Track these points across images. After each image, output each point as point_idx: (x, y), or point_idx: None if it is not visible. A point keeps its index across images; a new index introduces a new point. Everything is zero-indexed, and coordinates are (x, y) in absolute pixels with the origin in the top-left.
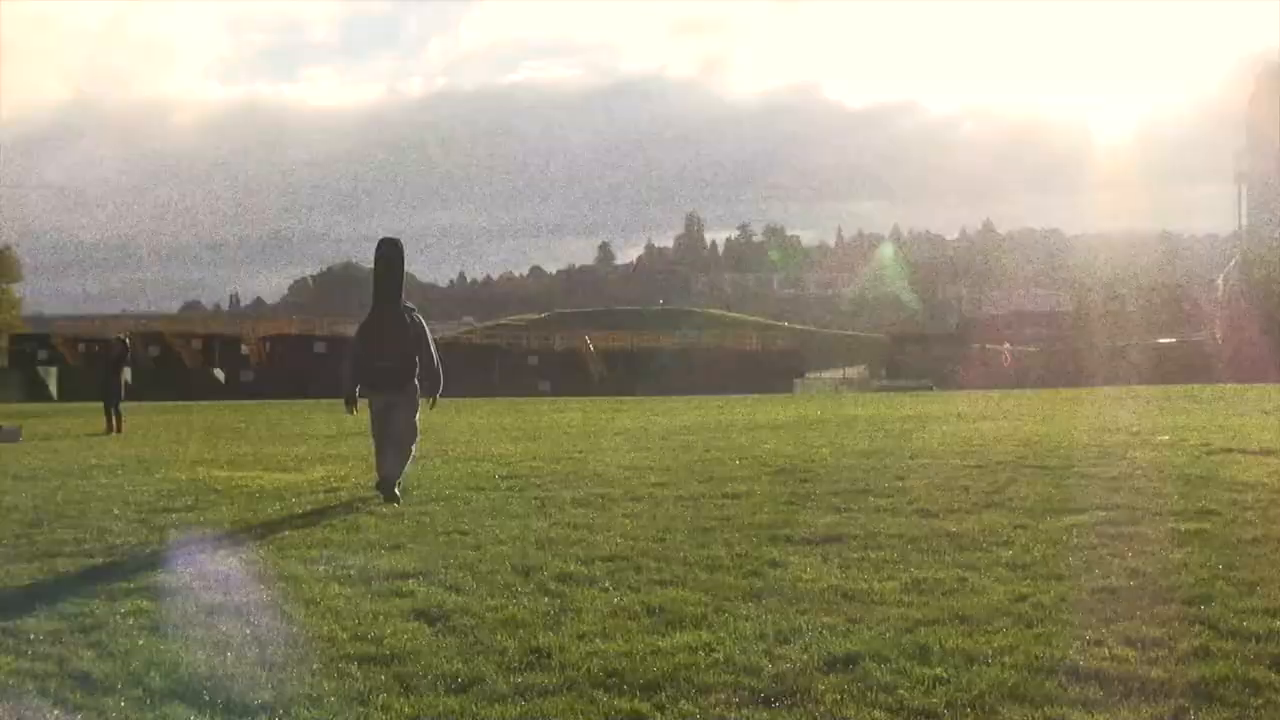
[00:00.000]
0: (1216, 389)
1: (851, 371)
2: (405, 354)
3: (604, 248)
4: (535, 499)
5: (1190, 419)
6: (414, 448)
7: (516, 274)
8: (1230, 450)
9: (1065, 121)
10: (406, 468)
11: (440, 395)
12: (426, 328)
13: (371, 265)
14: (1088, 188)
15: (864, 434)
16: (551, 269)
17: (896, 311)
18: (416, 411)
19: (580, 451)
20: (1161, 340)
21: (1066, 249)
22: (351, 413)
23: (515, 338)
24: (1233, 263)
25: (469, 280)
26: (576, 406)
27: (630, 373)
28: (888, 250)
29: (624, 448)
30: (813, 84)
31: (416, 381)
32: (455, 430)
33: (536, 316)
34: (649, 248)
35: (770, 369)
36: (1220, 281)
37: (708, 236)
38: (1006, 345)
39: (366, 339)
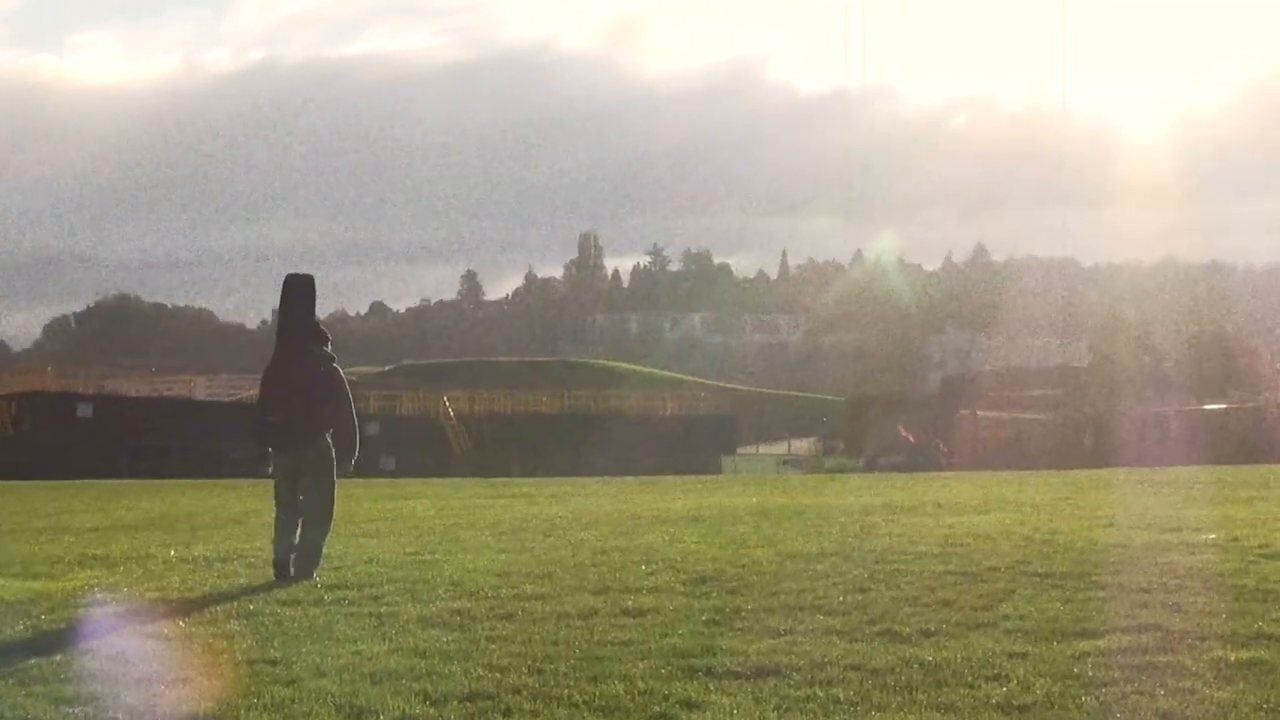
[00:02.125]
0: (1278, 471)
1: (800, 445)
2: (312, 407)
3: (470, 278)
4: (371, 616)
5: (1245, 512)
6: (328, 525)
7: (352, 312)
8: None
9: (1083, 117)
10: (322, 548)
11: (354, 462)
12: (343, 378)
13: (147, 302)
14: (1111, 203)
15: (813, 530)
16: (399, 306)
17: (863, 364)
18: (331, 476)
19: (433, 553)
20: (1209, 406)
21: (1084, 283)
22: (268, 473)
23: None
24: None
25: None
26: (430, 491)
27: (503, 446)
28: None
29: (492, 547)
30: (754, 61)
31: (329, 439)
32: (260, 522)
33: (378, 370)
34: (530, 279)
35: (692, 441)
36: None
37: (608, 264)
38: (901, 428)
39: (268, 388)
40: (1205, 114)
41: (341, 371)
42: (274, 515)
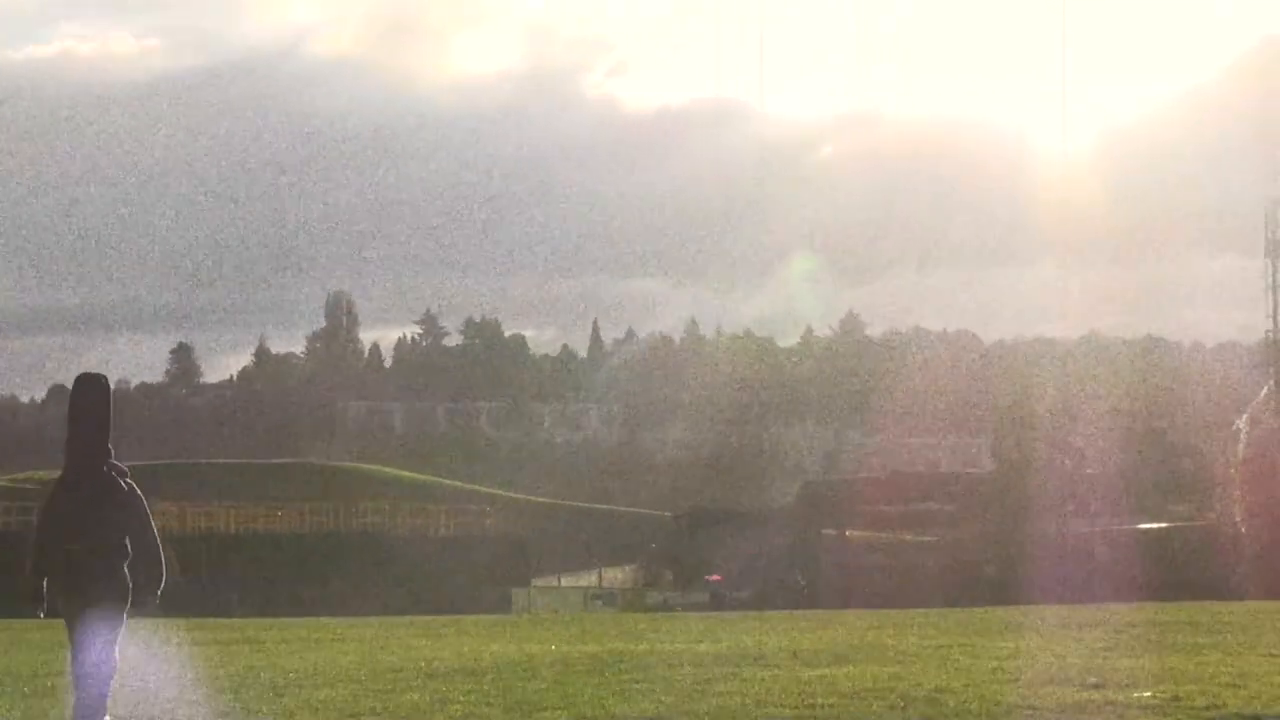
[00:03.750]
0: (1234, 609)
1: (615, 574)
2: (106, 536)
3: (182, 355)
4: None
5: (1189, 663)
6: (109, 685)
7: (23, 399)
8: (1256, 719)
9: (983, 142)
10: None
11: (160, 593)
12: (143, 499)
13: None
14: (1019, 257)
15: (630, 688)
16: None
17: (698, 469)
18: (118, 626)
19: None
20: (1145, 525)
21: (984, 364)
22: (39, 615)
23: (11, 514)
24: (1263, 393)
25: None
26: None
27: (224, 577)
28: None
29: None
30: (569, 69)
31: (127, 572)
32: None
33: (58, 474)
34: (261, 355)
35: (473, 569)
36: (1242, 426)
37: (364, 337)
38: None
39: (52, 513)
40: (1137, 142)
41: (138, 489)
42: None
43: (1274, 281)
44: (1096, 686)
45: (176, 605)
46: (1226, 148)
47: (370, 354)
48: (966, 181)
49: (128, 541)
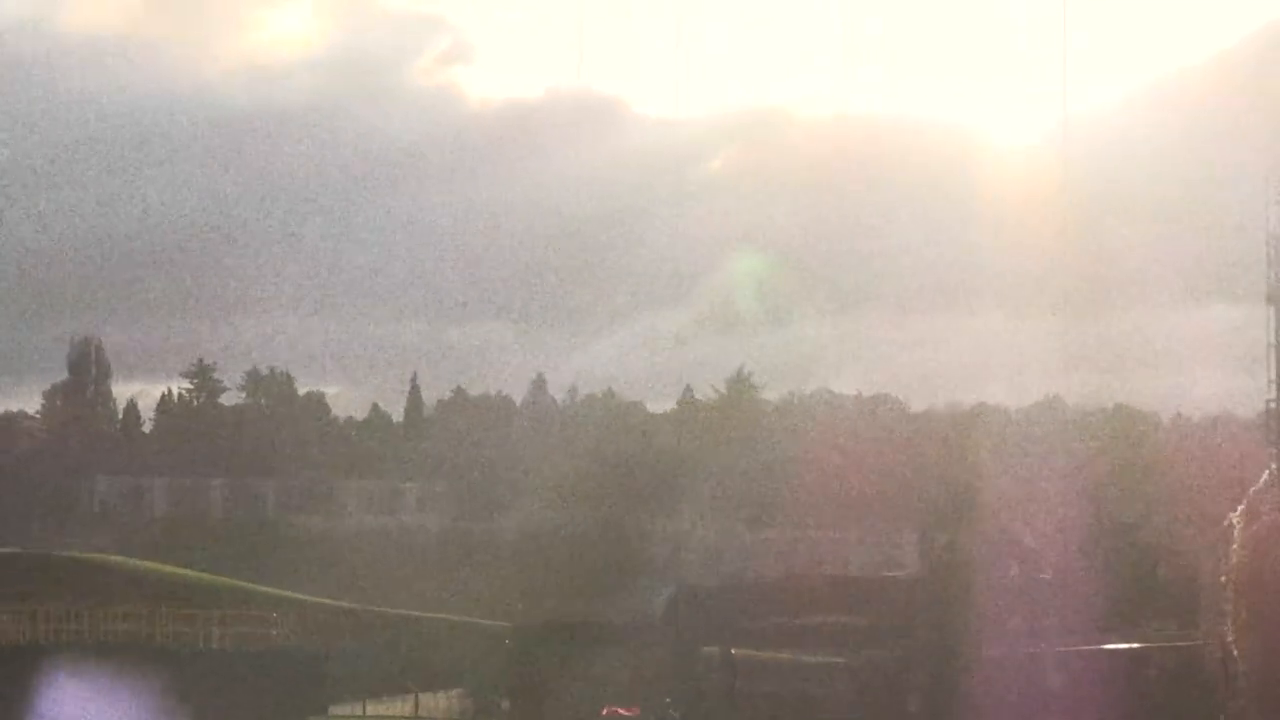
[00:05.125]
0: None
1: (435, 701)
2: None
3: None
4: None
5: None
6: None
7: None
8: None
9: (916, 153)
10: None
11: None
12: None
13: None
14: (958, 303)
15: None
16: None
17: (543, 567)
18: None
19: None
20: (1114, 646)
21: (911, 438)
22: None
23: None
24: (1264, 479)
25: None
26: None
27: None
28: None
29: None
30: (391, 54)
31: None
32: None
33: None
34: None
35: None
36: (1236, 521)
37: (118, 392)
38: None
39: None
40: (1117, 155)
41: None
42: None
43: (1279, 337)
44: None
45: None
46: (1217, 173)
47: (126, 415)
48: (894, 204)
49: None
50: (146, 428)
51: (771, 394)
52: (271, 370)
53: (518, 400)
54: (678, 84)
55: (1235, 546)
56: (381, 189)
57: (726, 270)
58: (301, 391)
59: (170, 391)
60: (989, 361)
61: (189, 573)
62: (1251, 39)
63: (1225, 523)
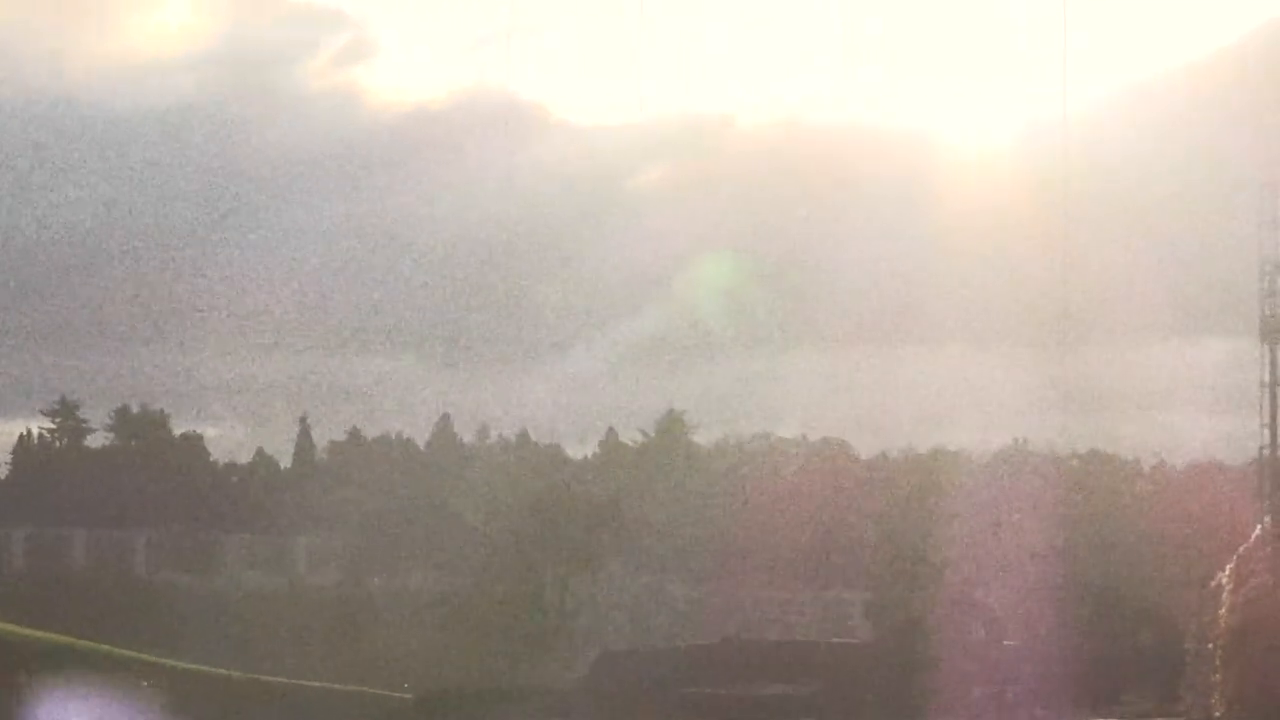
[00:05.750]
0: None
1: None
2: None
3: None
4: None
5: None
6: None
7: None
8: None
9: (870, 163)
10: None
11: None
12: None
13: None
14: (915, 335)
15: None
16: None
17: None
18: None
19: None
20: None
21: (862, 487)
22: None
23: None
24: (1255, 534)
25: None
26: None
27: None
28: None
29: None
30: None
31: None
32: None
33: None
34: None
35: None
36: (1225, 582)
37: None
38: None
39: None
40: (1094, 173)
41: None
42: None
43: (1274, 375)
44: None
45: None
46: (1206, 190)
47: None
48: (844, 223)
49: None
50: (1, 473)
51: (705, 437)
52: (143, 408)
53: (421, 443)
54: (607, 88)
55: (1223, 611)
56: (270, 203)
57: (657, 299)
58: (176, 433)
59: (29, 432)
60: (949, 401)
61: (49, 635)
62: (1230, 49)
63: (1212, 584)
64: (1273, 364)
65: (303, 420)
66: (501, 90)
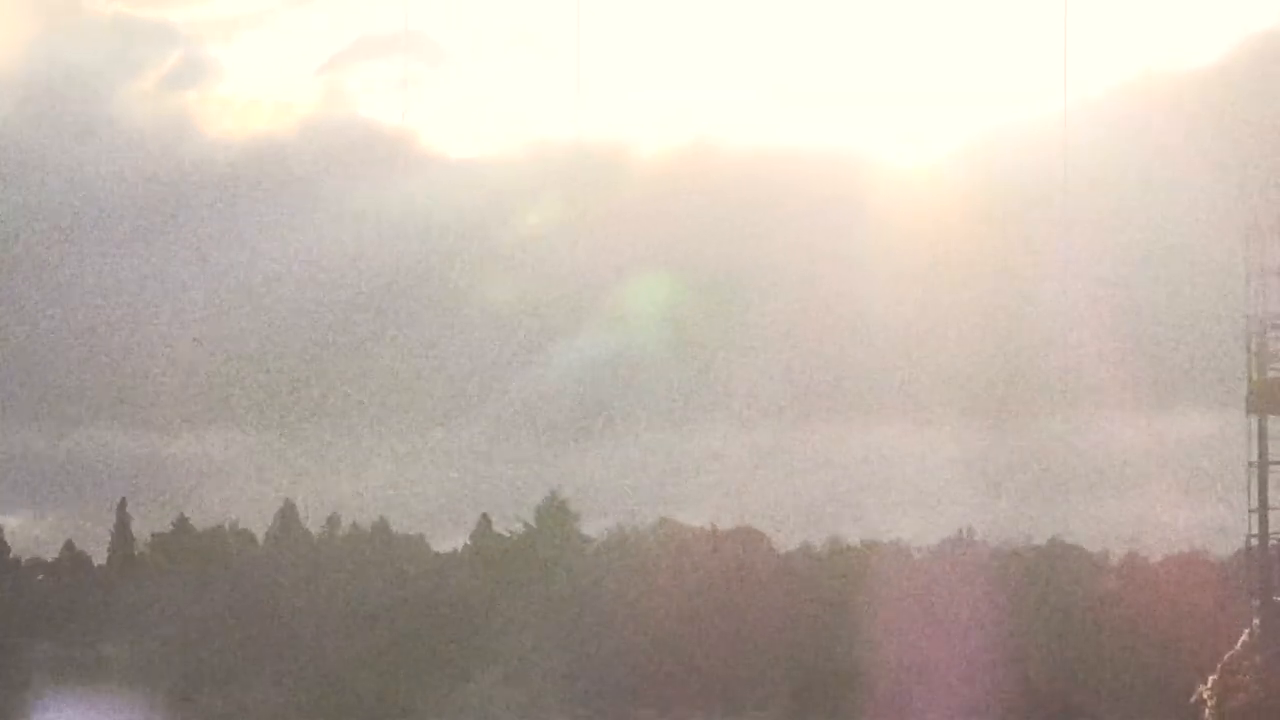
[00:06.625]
0: None
1: None
2: None
3: None
4: None
5: None
6: None
7: None
8: None
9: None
10: None
11: None
12: None
13: None
14: (844, 406)
15: None
16: None
17: None
18: None
19: None
20: None
21: (781, 584)
22: None
23: None
24: (1243, 639)
25: None
26: None
27: None
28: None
29: None
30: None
31: None
32: None
33: None
34: None
35: None
36: (1207, 694)
37: None
38: None
39: None
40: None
41: None
42: None
43: (1263, 452)
44: None
45: None
46: (1179, 237)
47: None
48: (758, 270)
49: None
50: None
51: (594, 526)
52: None
53: (260, 534)
54: (484, 114)
55: None
56: (83, 251)
57: (537, 363)
58: None
59: None
60: (882, 483)
61: None
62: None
63: (1192, 699)
64: (1262, 439)
65: (120, 508)
66: (360, 118)
